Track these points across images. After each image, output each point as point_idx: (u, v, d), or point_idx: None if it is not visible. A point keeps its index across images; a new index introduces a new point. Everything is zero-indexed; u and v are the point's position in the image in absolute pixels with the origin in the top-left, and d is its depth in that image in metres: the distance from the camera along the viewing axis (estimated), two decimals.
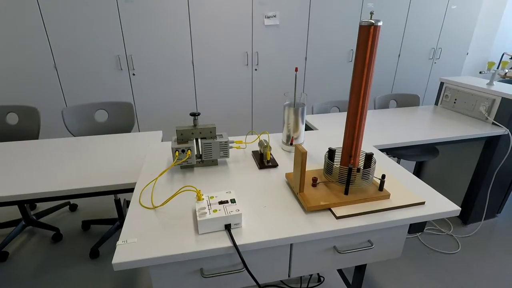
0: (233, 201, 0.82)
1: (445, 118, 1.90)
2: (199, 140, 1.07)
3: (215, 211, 0.78)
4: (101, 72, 2.49)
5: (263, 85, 2.88)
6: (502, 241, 1.91)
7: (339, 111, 2.09)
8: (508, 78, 3.51)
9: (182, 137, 1.05)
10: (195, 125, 1.06)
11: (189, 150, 1.02)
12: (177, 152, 1.01)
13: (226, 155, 1.09)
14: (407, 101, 2.24)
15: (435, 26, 3.15)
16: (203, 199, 0.83)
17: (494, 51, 4.07)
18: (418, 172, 2.45)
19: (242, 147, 1.25)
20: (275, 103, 3.00)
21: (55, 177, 1.23)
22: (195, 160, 1.06)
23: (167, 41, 2.51)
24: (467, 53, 3.44)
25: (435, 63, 3.34)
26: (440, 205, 0.88)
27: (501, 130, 1.71)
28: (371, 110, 2.05)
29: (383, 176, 0.88)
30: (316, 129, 1.68)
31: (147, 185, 0.98)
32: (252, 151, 1.21)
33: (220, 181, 1.01)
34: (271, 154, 1.18)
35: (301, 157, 0.84)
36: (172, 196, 0.87)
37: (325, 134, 1.41)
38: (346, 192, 0.88)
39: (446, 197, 2.27)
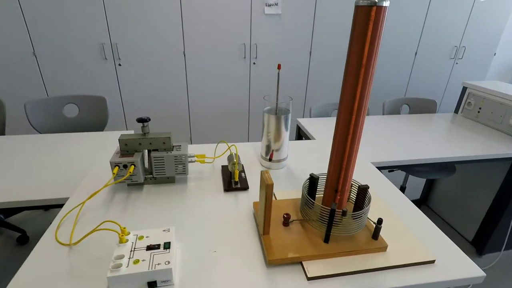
0: (167, 246, 0.60)
1: (466, 131, 1.62)
2: (149, 152, 0.85)
3: (136, 261, 0.56)
4: (84, 62, 2.29)
5: (262, 81, 2.64)
6: None
7: None
8: None
9: (127, 149, 0.83)
10: (144, 134, 0.84)
11: (132, 166, 0.80)
12: (116, 167, 0.79)
13: (184, 171, 0.86)
14: (422, 106, 1.96)
15: (460, 21, 2.82)
16: (126, 240, 0.61)
17: None
18: (428, 190, 2.17)
19: (208, 161, 1.03)
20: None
21: None
22: (143, 177, 0.84)
23: (156, 29, 2.28)
24: (495, 54, 3.08)
25: (456, 63, 3.00)
26: (457, 266, 0.64)
27: None
28: (378, 116, 1.78)
29: (379, 221, 0.64)
30: (313, 138, 1.44)
31: (71, 209, 0.76)
32: (222, 166, 0.99)
33: (169, 208, 0.78)
34: (243, 172, 0.95)
35: (265, 190, 0.61)
36: (90, 232, 0.65)
37: (320, 146, 1.17)
38: (326, 240, 0.65)
39: (460, 221, 2.02)
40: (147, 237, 0.62)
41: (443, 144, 1.43)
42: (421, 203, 2.22)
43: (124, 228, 0.62)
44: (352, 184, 0.74)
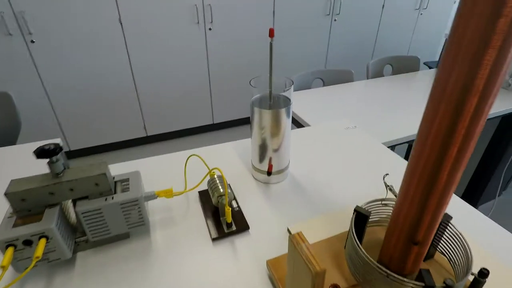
0: None
1: None
2: (74, 203, 0.50)
3: None
4: None
5: (222, 51, 2.23)
6: None
7: (324, 85, 1.56)
8: None
9: (28, 206, 0.46)
10: (57, 175, 0.47)
11: (42, 239, 0.44)
12: (10, 248, 0.43)
13: (142, 221, 0.53)
14: (405, 64, 1.76)
15: None
16: None
17: None
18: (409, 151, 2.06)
19: (178, 193, 0.69)
20: (242, 77, 2.38)
21: None
22: (69, 250, 0.49)
23: None
24: (454, 2, 2.97)
25: (421, 14, 2.84)
26: None
27: None
28: (363, 80, 1.54)
29: (482, 275, 0.39)
30: (301, 119, 1.15)
31: None
32: (200, 193, 0.66)
33: None
34: (235, 198, 0.64)
35: (314, 283, 0.31)
36: None
37: (322, 134, 0.88)
38: None
39: None
40: None
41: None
42: None
43: None
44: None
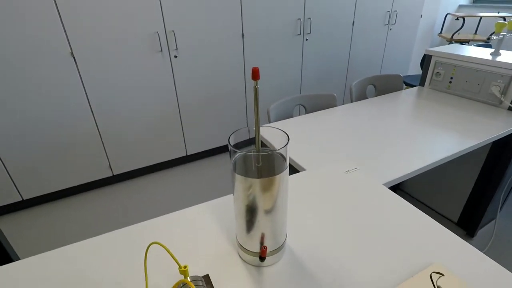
0: None
1: (439, 105, 1.37)
2: None
3: None
4: None
5: (192, 79, 2.07)
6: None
7: (306, 112, 1.44)
8: (457, 41, 3.25)
9: None
10: None
11: None
12: None
13: None
14: (388, 84, 1.68)
15: None
16: None
17: (441, 11, 3.80)
18: None
19: None
20: (215, 104, 2.22)
21: None
22: None
23: (27, 27, 1.51)
24: (421, 16, 3.05)
25: (390, 29, 2.87)
26: None
27: None
28: (348, 104, 1.44)
29: None
30: (300, 166, 0.99)
31: None
32: None
33: None
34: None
35: None
36: None
37: (321, 182, 0.73)
38: None
39: (440, 203, 1.81)
40: None
41: (426, 135, 1.14)
42: (396, 188, 2.02)
43: None
44: None
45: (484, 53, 1.46)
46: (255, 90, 0.41)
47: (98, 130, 1.91)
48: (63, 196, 2.05)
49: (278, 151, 0.45)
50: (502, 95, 1.33)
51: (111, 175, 2.08)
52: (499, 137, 1.14)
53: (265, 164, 0.46)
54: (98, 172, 2.04)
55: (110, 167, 2.06)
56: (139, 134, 2.06)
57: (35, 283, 0.50)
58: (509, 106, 1.33)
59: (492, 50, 1.49)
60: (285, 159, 0.46)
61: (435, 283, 0.39)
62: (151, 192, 2.08)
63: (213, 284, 0.49)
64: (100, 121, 1.89)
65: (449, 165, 1.66)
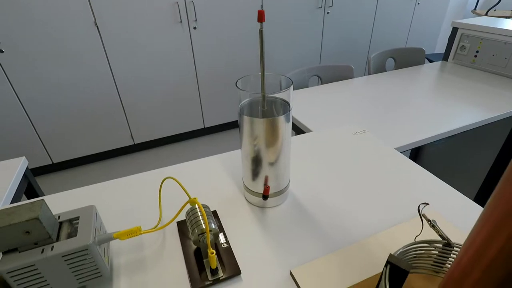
0: None
1: (464, 80, 1.32)
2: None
3: None
4: None
5: (210, 51, 2.09)
6: None
7: (321, 83, 1.44)
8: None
9: None
10: None
11: None
12: None
13: (97, 272, 0.40)
14: (408, 57, 1.64)
15: None
16: None
17: None
18: (416, 154, 1.94)
19: (149, 230, 0.56)
20: (233, 77, 2.25)
21: None
22: None
23: None
24: None
25: (418, 3, 2.73)
26: None
27: None
28: (364, 76, 1.42)
29: None
30: (308, 129, 1.01)
31: None
32: (178, 223, 0.53)
33: None
34: (223, 231, 0.51)
35: None
36: None
37: (325, 141, 0.76)
38: None
39: (457, 181, 1.84)
40: None
41: (444, 110, 1.11)
42: None
43: None
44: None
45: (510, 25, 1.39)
46: (261, 32, 0.44)
47: (121, 100, 2.00)
48: (89, 162, 2.18)
49: (281, 93, 0.48)
50: None
51: (132, 143, 2.19)
52: None
53: (269, 108, 0.49)
54: (121, 141, 2.15)
55: (131, 136, 2.16)
56: (158, 105, 2.13)
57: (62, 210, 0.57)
58: None
59: None
60: (288, 104, 0.49)
61: (427, 218, 0.41)
62: (169, 162, 2.17)
63: (221, 220, 0.54)
64: (122, 91, 1.97)
65: (468, 143, 1.62)
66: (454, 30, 1.55)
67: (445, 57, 1.62)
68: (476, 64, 1.47)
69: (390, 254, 0.31)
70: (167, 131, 2.26)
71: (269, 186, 0.53)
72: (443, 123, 0.99)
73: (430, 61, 2.40)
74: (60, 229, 0.39)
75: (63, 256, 0.36)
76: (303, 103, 1.17)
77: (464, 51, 1.51)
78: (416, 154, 1.96)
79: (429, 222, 0.34)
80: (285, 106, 0.49)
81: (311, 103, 1.17)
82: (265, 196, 0.53)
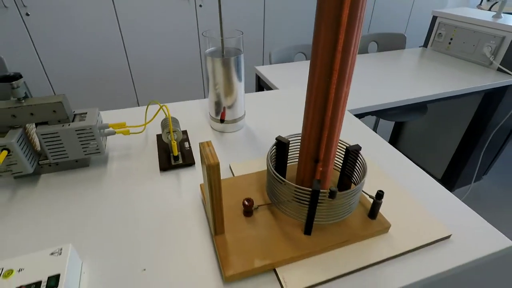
0: (53, 283, 0.36)
1: (438, 65, 1.47)
2: (33, 127, 0.57)
3: None
4: None
5: (215, 29, 2.26)
6: (494, 202, 1.67)
7: (306, 59, 1.60)
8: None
9: None
10: (19, 100, 0.54)
11: (4, 151, 0.51)
12: None
13: (98, 150, 0.60)
14: (391, 42, 1.78)
15: None
16: None
17: None
18: (397, 132, 2.10)
19: (136, 132, 0.76)
20: None
21: None
22: (30, 166, 0.56)
23: None
24: None
25: None
26: (479, 239, 0.48)
27: (510, 79, 1.33)
28: None
29: (379, 196, 0.45)
30: (276, 87, 1.20)
31: None
32: (158, 136, 0.73)
33: (76, 209, 0.53)
34: (187, 141, 0.70)
35: (208, 173, 0.37)
36: None
37: (287, 97, 0.94)
38: (307, 231, 0.45)
39: (429, 160, 1.99)
40: (20, 270, 0.38)
41: (415, 83, 1.27)
42: None
43: None
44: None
45: (486, 16, 1.51)
46: None
47: (129, 66, 2.20)
48: None
49: (231, 39, 0.66)
50: (492, 56, 1.40)
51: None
52: (479, 89, 1.25)
53: (227, 53, 0.68)
54: (127, 105, 2.36)
55: (137, 102, 2.37)
56: (163, 76, 2.32)
57: None
58: (498, 67, 1.40)
59: None
60: (240, 51, 0.67)
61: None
62: None
63: (189, 137, 0.74)
64: (131, 59, 2.17)
65: (439, 123, 1.77)
66: (434, 18, 1.68)
67: (425, 43, 1.75)
68: (450, 50, 1.61)
69: (278, 136, 0.50)
70: (171, 100, 2.46)
71: (225, 109, 0.72)
72: (407, 92, 1.15)
73: None
74: (74, 118, 0.59)
75: (76, 130, 0.56)
76: (284, 74, 1.34)
77: (441, 38, 1.65)
78: (397, 134, 2.12)
79: None
80: (238, 52, 0.67)
81: (291, 75, 1.34)
82: (222, 120, 0.72)
